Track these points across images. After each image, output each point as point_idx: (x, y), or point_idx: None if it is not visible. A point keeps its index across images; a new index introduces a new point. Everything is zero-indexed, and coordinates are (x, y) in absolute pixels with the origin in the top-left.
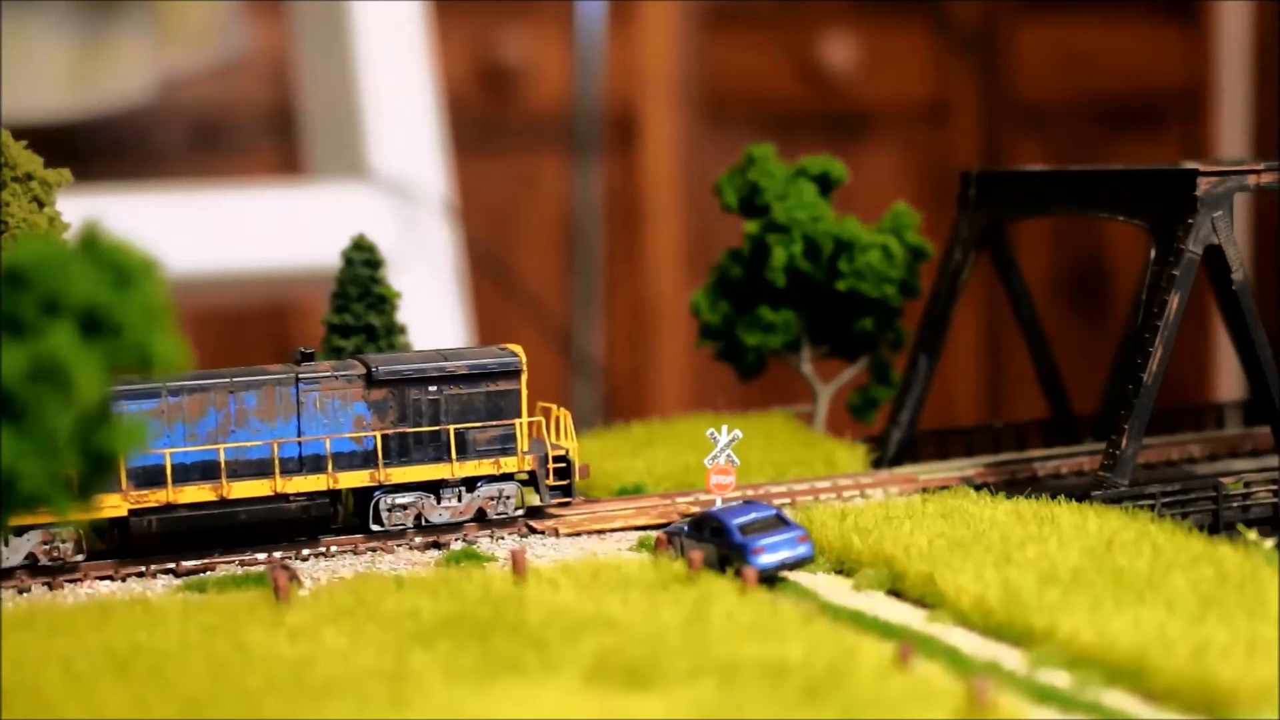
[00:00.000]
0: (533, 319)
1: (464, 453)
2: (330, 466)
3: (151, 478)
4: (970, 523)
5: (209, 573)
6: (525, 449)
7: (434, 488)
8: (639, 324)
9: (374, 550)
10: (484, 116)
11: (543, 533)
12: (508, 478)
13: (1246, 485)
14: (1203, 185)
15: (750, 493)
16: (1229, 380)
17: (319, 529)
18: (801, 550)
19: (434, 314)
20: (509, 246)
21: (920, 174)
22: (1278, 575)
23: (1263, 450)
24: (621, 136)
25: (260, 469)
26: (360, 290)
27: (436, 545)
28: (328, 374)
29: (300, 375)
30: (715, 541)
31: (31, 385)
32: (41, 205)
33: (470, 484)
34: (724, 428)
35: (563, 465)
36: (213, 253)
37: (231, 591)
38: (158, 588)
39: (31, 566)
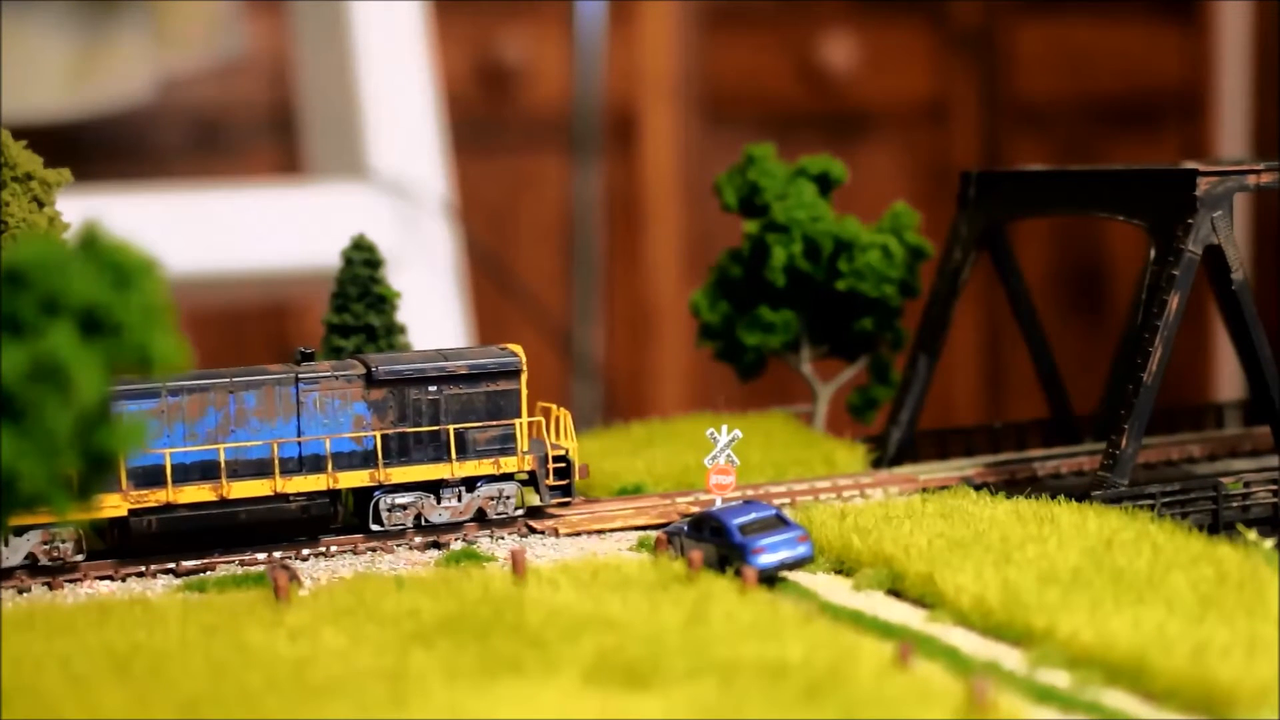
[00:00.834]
0: (533, 319)
1: (464, 453)
2: (330, 466)
3: (151, 478)
4: (970, 523)
5: (209, 573)
6: (525, 449)
7: (434, 488)
8: (639, 324)
9: (374, 550)
10: (484, 116)
11: (543, 533)
12: (508, 478)
13: (1246, 485)
14: (1203, 185)
15: (750, 493)
16: (1229, 380)
17: (319, 529)
18: (801, 550)
19: (434, 314)
20: (509, 246)
21: (920, 174)
22: (1278, 575)
23: (1263, 450)
24: (621, 136)
25: (260, 469)
26: (360, 290)
27: (436, 545)
28: (327, 374)
29: (300, 375)
30: (715, 541)
31: (31, 385)
32: (41, 205)
33: (470, 484)
34: (724, 428)
35: (563, 465)
36: (213, 253)
37: (231, 591)
38: (158, 588)
39: (31, 566)
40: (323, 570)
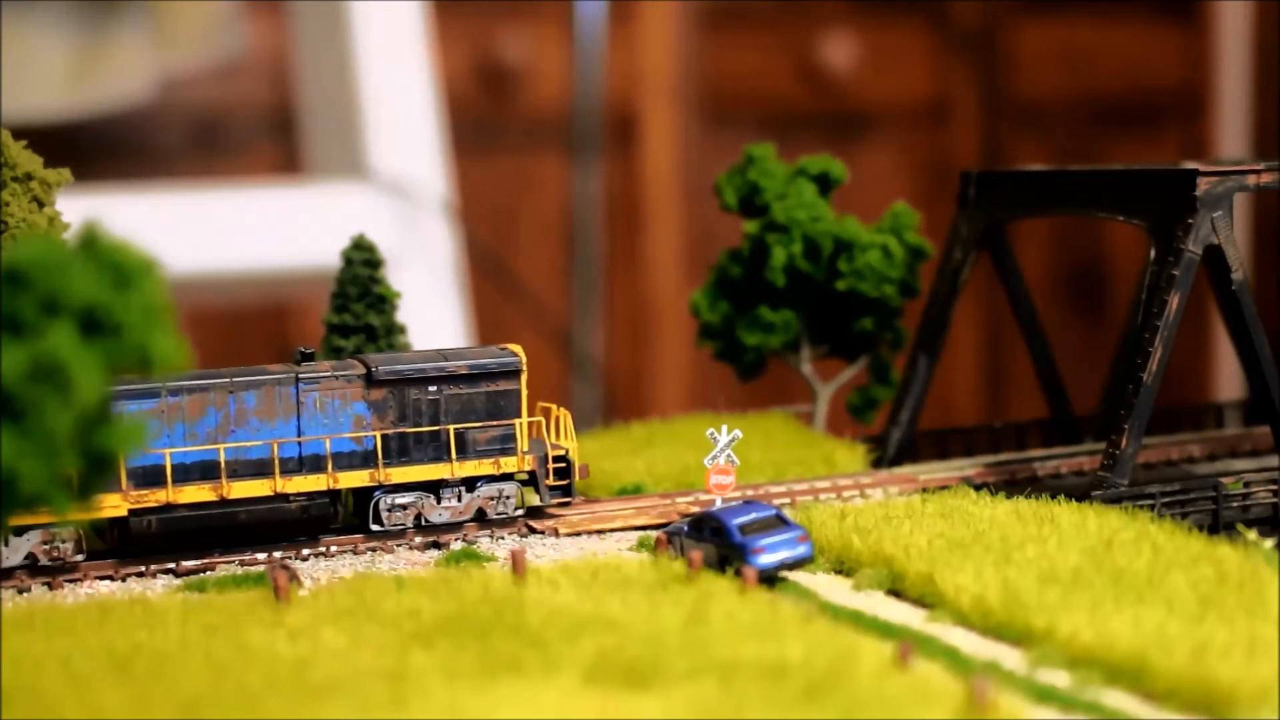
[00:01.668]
0: (533, 319)
1: (464, 453)
2: (330, 466)
3: (151, 478)
4: (970, 523)
5: (209, 573)
6: (525, 449)
7: (434, 488)
8: (639, 324)
9: (374, 550)
10: (484, 116)
11: (543, 533)
12: (507, 478)
13: (1246, 485)
14: (1202, 185)
15: (750, 493)
16: (1229, 380)
17: (319, 529)
18: (801, 550)
19: (434, 314)
20: (509, 246)
21: (920, 174)
22: (1278, 575)
23: (1263, 450)
24: (621, 136)
25: (260, 469)
26: (360, 290)
27: (436, 545)
28: (327, 374)
29: (300, 375)
30: (715, 541)
31: (31, 385)
32: (41, 205)
33: (470, 484)
34: (724, 428)
35: (562, 465)
36: (213, 253)
37: (231, 591)
38: (158, 588)
39: (31, 566)
40: (323, 570)
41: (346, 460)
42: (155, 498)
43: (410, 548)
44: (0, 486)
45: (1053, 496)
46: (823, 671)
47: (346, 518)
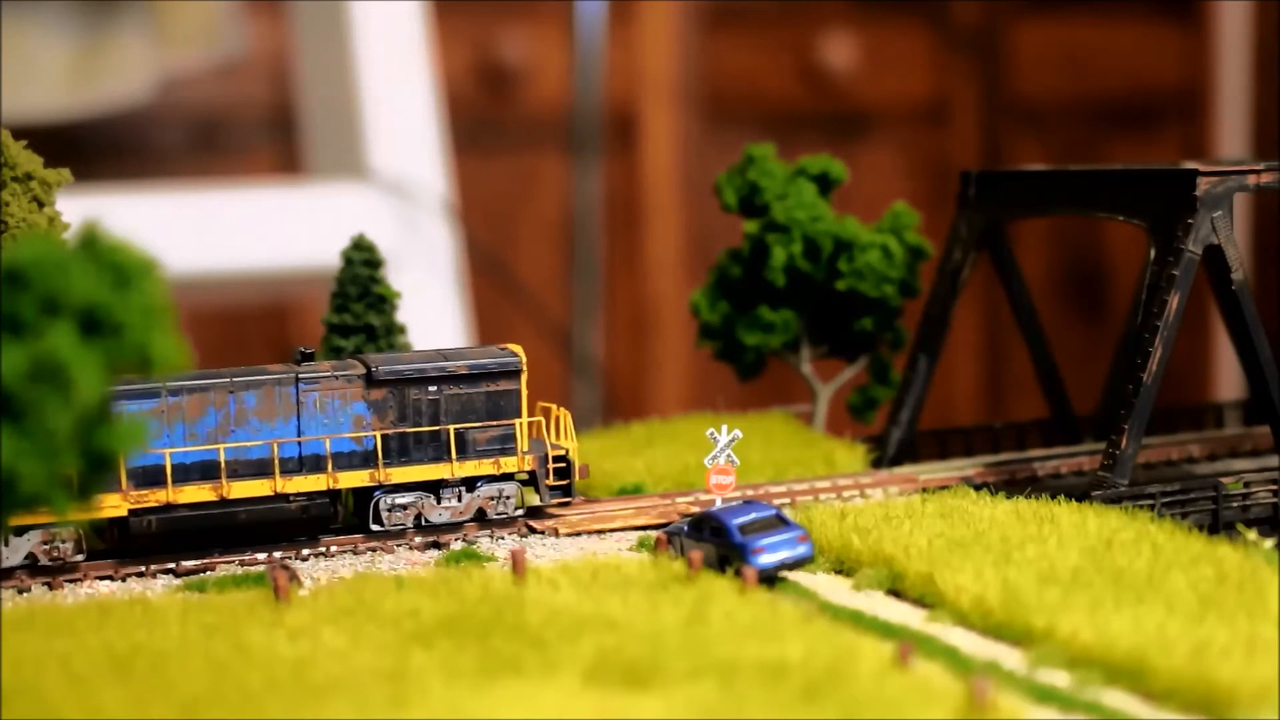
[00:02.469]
0: (533, 319)
1: (464, 453)
2: (330, 466)
3: (151, 477)
4: (970, 523)
5: (209, 573)
6: (525, 449)
7: (434, 488)
8: (639, 324)
9: (374, 550)
10: (484, 116)
11: (542, 533)
12: (508, 478)
13: (1246, 485)
14: (1202, 185)
15: (750, 493)
16: (1229, 380)
17: (319, 529)
18: (801, 550)
19: (434, 314)
20: (509, 246)
21: (920, 174)
22: (1278, 575)
23: (1263, 450)
24: (621, 136)
25: (260, 469)
26: (360, 290)
27: (436, 545)
28: (327, 374)
29: (300, 375)
30: (715, 541)
31: (31, 385)
32: (41, 205)
33: (470, 484)
34: (724, 428)
35: (563, 465)
36: (213, 253)
37: (231, 591)
38: (158, 588)
39: (32, 566)
40: (323, 570)
41: (346, 460)
42: (155, 498)
43: (410, 548)
44: (0, 486)
45: (1053, 496)
46: (823, 671)
47: (347, 518)
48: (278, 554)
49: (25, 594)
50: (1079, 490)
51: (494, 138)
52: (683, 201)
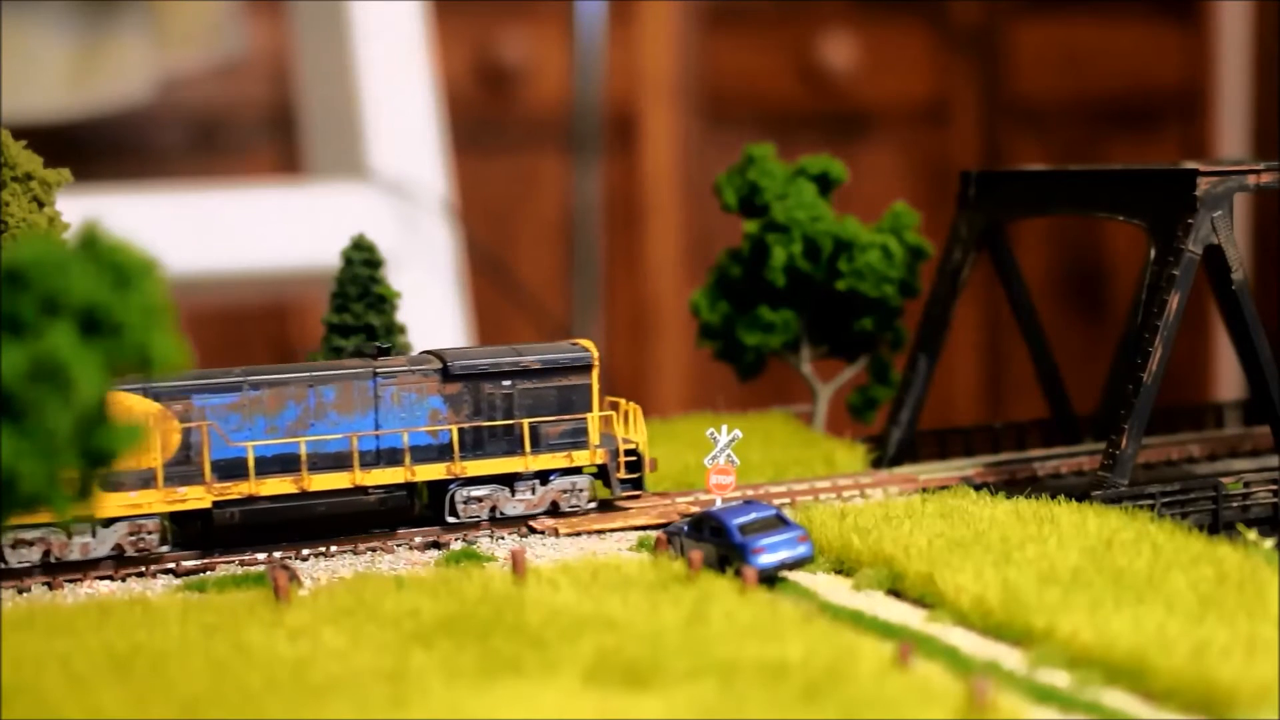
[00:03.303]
0: (533, 319)
1: (537, 446)
2: (408, 459)
3: (233, 470)
4: (970, 523)
5: (209, 573)
6: (596, 442)
7: (507, 480)
8: (639, 324)
9: (374, 550)
10: (484, 116)
11: (542, 533)
12: (579, 471)
13: (1246, 485)
14: (1202, 185)
15: (750, 493)
16: (1229, 380)
17: (396, 521)
18: (801, 550)
19: (434, 314)
20: (509, 246)
21: (920, 174)
22: (1278, 575)
23: (1263, 450)
24: (621, 136)
25: (338, 461)
26: (360, 290)
27: (436, 545)
28: (404, 368)
29: (378, 369)
30: (715, 541)
31: (31, 385)
32: (41, 205)
33: (543, 477)
34: (724, 428)
35: (633, 458)
36: (213, 253)
37: (231, 591)
38: (157, 588)
39: (118, 557)
40: (323, 570)
41: (423, 453)
42: (238, 490)
43: (410, 548)
44: (0, 486)
45: (1053, 496)
46: (823, 671)
47: (421, 510)
48: (277, 554)
49: (25, 594)
50: (1079, 490)
51: (494, 138)
52: (683, 201)
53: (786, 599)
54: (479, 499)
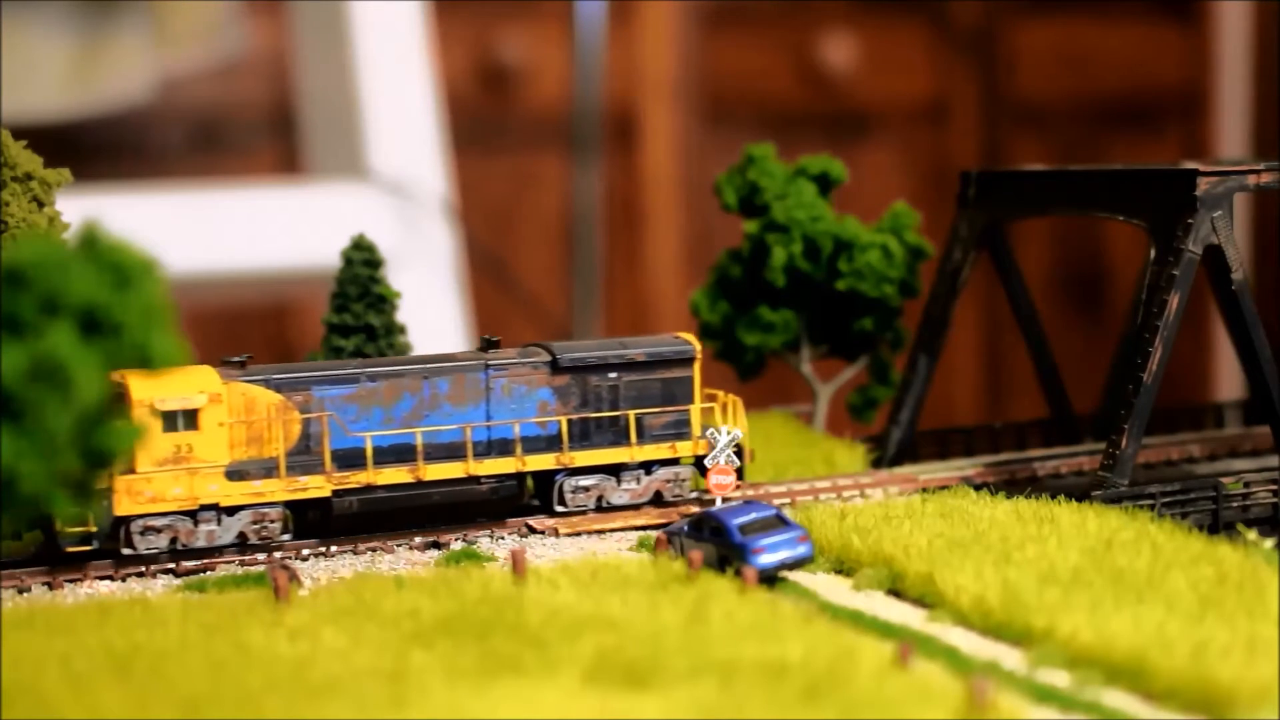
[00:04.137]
0: (533, 319)
1: (641, 437)
2: (518, 450)
3: (351, 460)
4: (970, 523)
5: (209, 573)
6: (699, 434)
7: (612, 470)
8: (639, 324)
9: (374, 550)
10: (484, 116)
11: (543, 533)
12: (677, 461)
13: (1246, 485)
14: (1203, 185)
15: (750, 493)
16: (1229, 380)
17: (506, 510)
18: (801, 550)
19: (434, 314)
20: (509, 246)
21: (920, 174)
22: (1278, 575)
23: (1263, 450)
24: (621, 136)
25: (452, 452)
26: (360, 290)
27: (436, 545)
28: (515, 360)
29: (489, 361)
30: (715, 541)
31: (31, 385)
32: (41, 205)
33: (647, 467)
34: (724, 428)
35: (735, 450)
36: (213, 253)
37: (231, 591)
38: (157, 587)
39: (240, 545)
40: (323, 570)
41: (532, 444)
42: (356, 479)
43: (410, 548)
44: (0, 486)
45: (1053, 496)
46: (822, 672)
47: (528, 500)
48: (277, 554)
49: (25, 594)
50: (1079, 490)
51: (494, 138)
52: (683, 201)
53: (786, 599)
54: (586, 488)
